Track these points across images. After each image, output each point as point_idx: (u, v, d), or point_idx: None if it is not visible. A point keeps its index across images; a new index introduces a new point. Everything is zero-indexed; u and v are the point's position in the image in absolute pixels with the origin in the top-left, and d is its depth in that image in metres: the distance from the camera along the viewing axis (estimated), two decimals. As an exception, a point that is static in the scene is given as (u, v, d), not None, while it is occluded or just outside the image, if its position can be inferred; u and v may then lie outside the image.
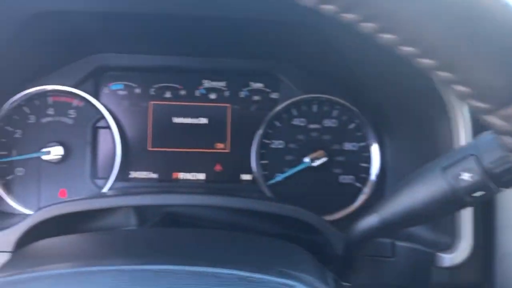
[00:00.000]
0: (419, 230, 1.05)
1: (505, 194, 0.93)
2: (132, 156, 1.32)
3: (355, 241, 0.88)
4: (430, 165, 0.76)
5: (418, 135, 1.10)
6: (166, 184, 1.32)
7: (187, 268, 0.53)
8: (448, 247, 0.96)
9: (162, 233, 0.93)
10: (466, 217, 0.94)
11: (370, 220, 0.84)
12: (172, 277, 0.53)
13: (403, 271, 1.04)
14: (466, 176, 0.69)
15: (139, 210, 1.12)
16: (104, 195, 1.16)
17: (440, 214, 0.79)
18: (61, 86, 1.27)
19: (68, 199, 1.04)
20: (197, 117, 1.34)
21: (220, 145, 1.34)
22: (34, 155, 1.25)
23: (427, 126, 1.05)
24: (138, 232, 1.00)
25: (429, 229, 1.04)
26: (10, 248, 1.00)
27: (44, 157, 1.25)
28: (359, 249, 0.89)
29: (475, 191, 0.69)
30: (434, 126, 1.01)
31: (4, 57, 1.09)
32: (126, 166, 1.31)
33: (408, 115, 1.11)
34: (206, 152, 1.34)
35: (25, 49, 1.11)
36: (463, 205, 0.73)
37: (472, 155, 0.68)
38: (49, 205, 1.00)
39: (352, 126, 1.32)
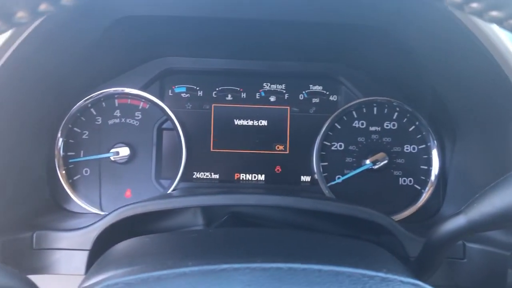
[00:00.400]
0: (492, 232, 1.06)
1: None
2: (196, 157, 1.35)
3: (439, 243, 0.89)
4: None
5: (487, 138, 1.10)
6: (228, 184, 1.35)
7: (311, 266, 0.54)
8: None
9: (246, 233, 0.95)
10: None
11: (457, 222, 0.85)
12: (291, 275, 0.54)
13: (475, 273, 1.05)
14: None
15: (207, 210, 1.14)
16: (179, 195, 1.19)
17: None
18: (127, 89, 1.30)
19: (144, 199, 1.07)
20: (257, 119, 1.36)
21: (280, 147, 1.36)
22: (104, 155, 1.28)
23: (498, 129, 1.05)
24: (224, 232, 1.02)
25: (502, 231, 1.04)
26: (88, 247, 1.03)
27: (113, 158, 1.28)
28: (443, 251, 0.90)
29: None
30: (508, 130, 1.02)
31: (83, 61, 1.12)
32: (190, 167, 1.34)
33: (477, 118, 1.12)
34: (266, 153, 1.36)
35: (102, 53, 1.15)
36: None
37: None
38: (127, 205, 1.03)
39: (412, 128, 1.34)
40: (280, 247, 0.84)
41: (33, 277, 0.74)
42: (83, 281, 0.75)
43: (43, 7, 0.40)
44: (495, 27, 0.88)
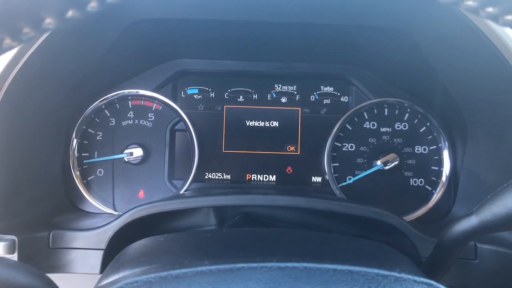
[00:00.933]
0: (503, 233, 1.06)
1: None
2: (208, 158, 1.36)
3: (451, 243, 0.90)
4: None
5: (498, 138, 1.11)
6: (240, 185, 1.36)
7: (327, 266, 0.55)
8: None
9: (259, 232, 0.96)
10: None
11: (469, 222, 0.86)
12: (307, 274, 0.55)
13: (486, 273, 1.05)
14: None
15: (219, 211, 1.16)
16: (192, 196, 1.20)
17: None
18: (141, 90, 1.32)
19: (158, 199, 1.08)
20: (268, 120, 1.37)
21: (291, 148, 1.37)
22: (118, 156, 1.30)
23: (509, 129, 1.06)
24: (237, 232, 1.03)
25: (514, 232, 1.05)
26: (103, 246, 1.05)
27: (126, 158, 1.30)
28: (455, 252, 0.90)
29: None
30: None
31: (99, 63, 1.14)
32: (202, 167, 1.35)
33: (488, 119, 1.12)
34: (277, 154, 1.37)
35: (117, 56, 1.17)
36: None
37: None
38: (141, 205, 1.04)
39: (423, 129, 1.34)
40: (293, 247, 0.85)
41: (50, 276, 0.76)
42: (100, 280, 0.77)
43: (70, 13, 0.41)
44: (507, 29, 0.88)
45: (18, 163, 1.04)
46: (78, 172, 1.30)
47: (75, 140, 1.29)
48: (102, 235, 1.05)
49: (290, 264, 0.56)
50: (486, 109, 1.12)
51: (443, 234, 0.91)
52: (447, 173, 1.31)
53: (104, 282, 0.70)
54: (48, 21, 0.41)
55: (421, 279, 0.57)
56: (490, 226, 0.84)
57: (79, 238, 1.06)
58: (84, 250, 1.06)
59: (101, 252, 1.05)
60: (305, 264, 0.56)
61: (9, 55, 0.92)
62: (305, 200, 1.07)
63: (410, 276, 0.57)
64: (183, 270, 0.57)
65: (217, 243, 0.90)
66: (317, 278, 0.53)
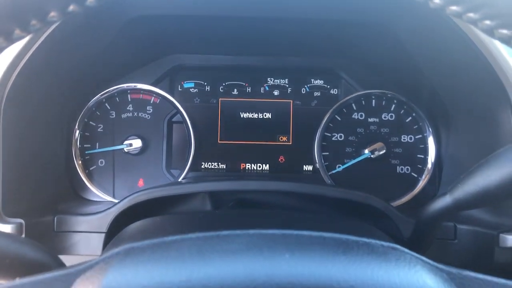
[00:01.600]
0: (480, 213, 1.13)
1: None
2: (204, 148, 1.43)
3: (427, 222, 0.96)
4: (505, 148, 0.83)
5: (478, 126, 1.17)
6: (235, 173, 1.43)
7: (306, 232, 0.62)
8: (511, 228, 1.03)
9: (249, 212, 1.03)
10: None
11: (443, 201, 0.93)
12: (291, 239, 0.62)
13: (465, 252, 1.12)
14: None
15: (214, 197, 1.22)
16: (188, 182, 1.27)
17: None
18: (139, 84, 1.39)
19: (156, 185, 1.15)
20: (262, 112, 1.44)
21: (283, 138, 1.44)
22: (118, 147, 1.37)
23: (488, 117, 1.12)
24: (229, 212, 1.09)
25: (490, 212, 1.11)
26: (104, 229, 1.12)
27: (126, 149, 1.37)
28: (432, 230, 0.97)
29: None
30: (496, 117, 1.09)
31: (99, 59, 1.21)
32: (198, 157, 1.42)
33: (468, 108, 1.19)
34: (270, 144, 1.44)
35: (116, 51, 1.23)
36: None
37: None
38: (140, 191, 1.11)
39: (409, 119, 1.41)
40: (277, 222, 0.92)
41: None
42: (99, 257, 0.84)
43: (71, 7, 0.48)
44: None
45: (25, 153, 1.11)
46: (80, 162, 1.37)
47: (77, 132, 1.36)
48: (104, 219, 1.12)
49: (270, 231, 0.62)
50: (466, 100, 1.18)
51: (420, 214, 0.98)
52: (432, 161, 1.37)
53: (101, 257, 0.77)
54: (52, 14, 0.48)
55: (388, 244, 0.64)
56: (462, 204, 0.90)
57: (82, 222, 1.14)
58: (87, 233, 1.13)
59: (103, 235, 1.12)
60: (284, 231, 0.62)
61: (15, 50, 0.99)
62: (294, 185, 1.13)
63: (378, 241, 0.63)
64: (173, 238, 0.64)
65: (208, 221, 0.97)
66: (293, 242, 0.60)
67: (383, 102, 1.41)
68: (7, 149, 1.02)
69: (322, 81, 1.45)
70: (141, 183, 1.40)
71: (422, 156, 1.40)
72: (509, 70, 1.01)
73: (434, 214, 0.94)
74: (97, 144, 1.40)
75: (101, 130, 1.40)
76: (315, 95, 1.45)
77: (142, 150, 1.39)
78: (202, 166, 1.44)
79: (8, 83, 1.00)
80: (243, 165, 1.44)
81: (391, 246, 0.63)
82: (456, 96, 1.20)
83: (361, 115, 1.42)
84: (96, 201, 1.38)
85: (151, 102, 1.41)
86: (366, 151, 1.38)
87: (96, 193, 1.38)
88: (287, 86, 1.45)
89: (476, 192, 0.88)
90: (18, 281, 0.60)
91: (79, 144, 1.37)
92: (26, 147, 1.11)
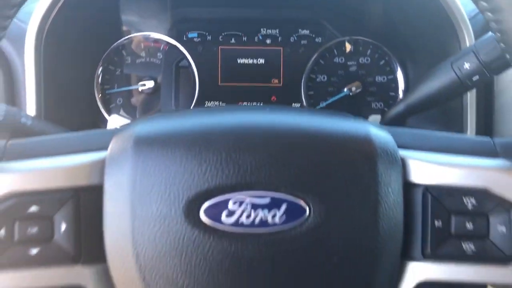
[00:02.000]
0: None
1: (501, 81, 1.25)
2: (206, 89, 1.66)
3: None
4: (443, 63, 1.07)
5: (434, 59, 1.41)
6: (233, 110, 1.67)
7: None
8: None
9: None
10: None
11: (398, 108, 1.17)
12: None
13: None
14: (467, 66, 1.00)
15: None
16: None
17: (450, 97, 1.10)
18: (152, 33, 1.63)
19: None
20: (256, 58, 1.67)
21: (275, 81, 1.67)
22: (134, 87, 1.61)
23: (441, 52, 1.36)
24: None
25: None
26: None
27: (140, 89, 1.61)
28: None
29: (473, 76, 1.00)
30: (447, 51, 1.32)
31: (115, 12, 1.45)
32: (202, 97, 1.66)
33: (428, 46, 1.42)
34: (264, 86, 1.67)
35: (130, 5, 1.47)
36: (466, 88, 1.05)
37: (472, 51, 0.99)
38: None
39: (382, 62, 1.64)
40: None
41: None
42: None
43: None
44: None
45: (58, 90, 1.35)
46: (101, 101, 1.61)
47: (100, 75, 1.60)
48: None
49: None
50: (425, 38, 1.42)
51: (382, 121, 1.22)
52: (401, 97, 1.61)
53: None
54: None
55: (342, 112, 0.86)
56: (412, 108, 1.14)
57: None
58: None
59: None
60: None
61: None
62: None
63: (344, 113, 0.85)
64: (185, 111, 0.87)
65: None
66: (277, 111, 0.82)
67: (360, 48, 1.65)
68: (47, 82, 1.27)
69: (308, 31, 1.68)
70: (153, 119, 1.64)
71: (394, 94, 1.63)
72: (456, 7, 1.25)
73: (392, 118, 1.18)
74: (116, 85, 1.63)
75: (119, 74, 1.64)
76: (302, 43, 1.68)
77: (154, 90, 1.62)
78: (206, 105, 1.67)
79: (46, 25, 1.25)
80: (241, 103, 1.68)
81: (342, 113, 0.85)
82: (418, 36, 1.44)
83: (341, 59, 1.65)
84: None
85: (161, 49, 1.65)
86: (345, 89, 1.62)
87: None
88: (278, 35, 1.68)
89: (422, 98, 1.12)
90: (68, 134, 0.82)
91: (101, 85, 1.61)
92: (58, 83, 1.35)
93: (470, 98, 1.26)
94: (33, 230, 0.68)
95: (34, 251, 0.68)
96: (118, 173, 0.67)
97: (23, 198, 0.68)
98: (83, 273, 0.69)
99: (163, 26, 1.64)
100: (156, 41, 1.65)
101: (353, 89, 1.61)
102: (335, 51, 1.65)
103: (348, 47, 1.66)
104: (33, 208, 0.68)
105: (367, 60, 1.65)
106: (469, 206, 0.66)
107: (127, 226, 0.65)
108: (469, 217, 0.66)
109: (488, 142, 0.73)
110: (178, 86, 1.66)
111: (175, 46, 1.63)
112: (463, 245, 0.66)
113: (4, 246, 0.67)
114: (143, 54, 1.64)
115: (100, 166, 0.69)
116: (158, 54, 1.65)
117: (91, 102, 1.60)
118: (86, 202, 0.69)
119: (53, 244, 0.68)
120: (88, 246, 0.69)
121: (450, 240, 0.66)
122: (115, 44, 1.61)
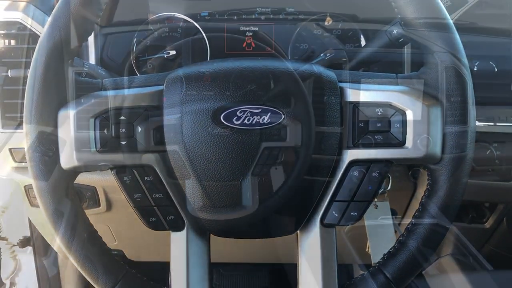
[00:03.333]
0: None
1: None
2: (216, 56, 2.13)
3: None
4: (380, 31, 1.56)
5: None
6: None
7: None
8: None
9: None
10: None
11: (352, 63, 1.67)
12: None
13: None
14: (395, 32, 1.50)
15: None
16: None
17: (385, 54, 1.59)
18: (172, 13, 2.11)
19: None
20: (253, 31, 2.16)
21: (268, 48, 2.15)
22: (160, 55, 2.10)
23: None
24: None
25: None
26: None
27: (166, 56, 2.10)
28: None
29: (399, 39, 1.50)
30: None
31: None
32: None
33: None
34: (259, 53, 2.16)
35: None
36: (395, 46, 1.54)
37: (398, 22, 1.48)
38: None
39: (350, 33, 2.12)
40: None
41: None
42: None
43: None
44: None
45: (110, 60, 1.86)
46: (136, 66, 2.11)
47: (134, 43, 2.10)
48: None
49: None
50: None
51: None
52: (365, 60, 2.10)
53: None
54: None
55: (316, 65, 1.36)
56: (361, 63, 1.64)
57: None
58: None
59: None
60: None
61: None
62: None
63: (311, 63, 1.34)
64: (208, 62, 1.38)
65: None
66: (264, 60, 1.24)
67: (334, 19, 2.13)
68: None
69: (293, 9, 2.16)
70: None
71: (359, 58, 2.11)
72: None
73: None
74: (146, 53, 2.13)
75: (148, 44, 2.13)
76: (288, 18, 2.16)
77: (175, 57, 2.11)
78: (215, 67, 2.17)
79: None
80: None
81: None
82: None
83: (319, 32, 2.14)
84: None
85: (180, 25, 2.13)
86: (321, 54, 2.10)
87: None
88: (270, 13, 2.16)
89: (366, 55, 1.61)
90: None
91: (135, 54, 2.11)
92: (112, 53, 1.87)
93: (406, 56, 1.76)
94: (122, 130, 1.18)
95: (123, 142, 1.19)
96: (172, 97, 1.17)
97: (116, 111, 1.18)
98: (152, 158, 1.19)
99: (181, 7, 2.13)
100: (178, 19, 2.14)
101: (327, 54, 2.09)
102: (313, 24, 2.14)
103: (329, 20, 2.14)
104: (122, 117, 1.18)
105: (338, 32, 2.13)
106: (379, 114, 1.03)
107: (178, 126, 1.16)
108: (379, 120, 1.06)
109: (393, 75, 1.09)
110: (194, 53, 2.15)
111: (191, 23, 2.12)
112: (375, 136, 1.05)
113: (106, 138, 1.18)
114: (166, 29, 2.14)
115: (160, 94, 1.20)
116: (178, 29, 2.14)
117: (127, 68, 2.10)
118: (152, 115, 1.19)
119: (133, 139, 1.19)
120: (154, 140, 1.20)
121: (368, 134, 1.04)
122: (145, 21, 2.11)
